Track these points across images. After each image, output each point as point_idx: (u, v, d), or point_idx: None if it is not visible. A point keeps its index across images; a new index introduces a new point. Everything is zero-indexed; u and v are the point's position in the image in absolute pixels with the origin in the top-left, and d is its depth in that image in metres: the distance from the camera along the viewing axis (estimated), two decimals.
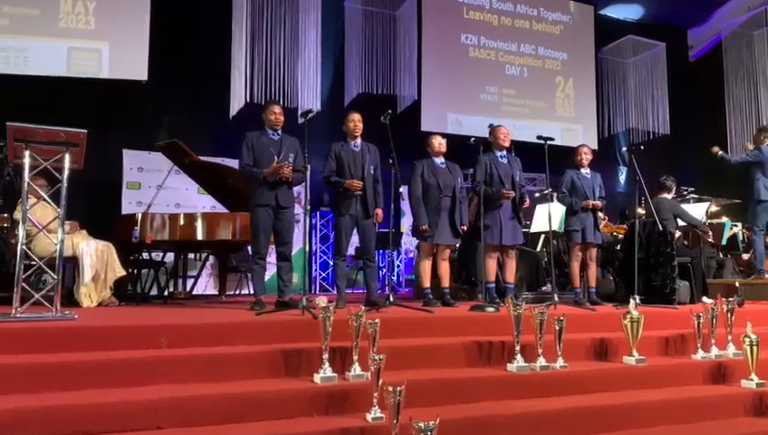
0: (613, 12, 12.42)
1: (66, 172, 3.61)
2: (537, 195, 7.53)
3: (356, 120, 4.88)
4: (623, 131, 12.07)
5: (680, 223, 6.41)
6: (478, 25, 11.03)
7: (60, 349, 3.03)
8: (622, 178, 12.55)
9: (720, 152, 6.85)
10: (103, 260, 4.98)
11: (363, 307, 3.35)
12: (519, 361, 3.48)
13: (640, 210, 6.40)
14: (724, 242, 7.99)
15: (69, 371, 2.84)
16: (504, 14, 11.30)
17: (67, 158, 3.59)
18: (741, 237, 8.76)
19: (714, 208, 7.86)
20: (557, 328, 3.61)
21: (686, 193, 7.23)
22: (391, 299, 4.50)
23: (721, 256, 7.95)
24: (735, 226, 8.57)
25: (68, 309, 3.90)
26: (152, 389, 2.84)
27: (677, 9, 12.10)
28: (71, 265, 5.00)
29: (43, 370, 2.82)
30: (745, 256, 7.64)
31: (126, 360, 2.98)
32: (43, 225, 4.09)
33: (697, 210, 6.95)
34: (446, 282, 5.22)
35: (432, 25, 10.47)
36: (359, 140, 4.90)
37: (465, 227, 5.27)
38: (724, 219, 8.46)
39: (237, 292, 8.19)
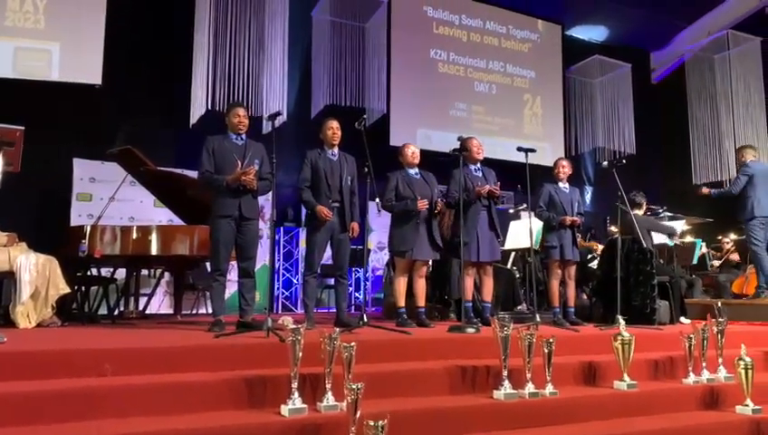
0: (579, 33, 12.49)
1: (0, 175, 3.18)
2: (511, 211, 7.32)
3: (334, 128, 4.64)
4: (590, 151, 12.08)
5: (656, 241, 6.28)
6: (448, 41, 10.90)
7: None
8: (588, 197, 12.54)
9: (711, 190, 6.65)
10: (44, 276, 4.53)
11: (336, 329, 3.01)
12: (507, 387, 3.19)
13: (614, 228, 6.25)
14: (695, 261, 7.94)
15: None
16: (473, 30, 11.21)
17: (0, 158, 3.17)
18: (709, 257, 8.76)
19: (684, 227, 7.80)
20: (546, 351, 3.34)
21: (660, 212, 7.14)
22: (365, 319, 4.16)
23: (691, 275, 7.89)
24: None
25: (1, 331, 3.45)
26: (92, 424, 2.44)
27: (640, 32, 12.25)
28: (7, 281, 4.52)
29: None
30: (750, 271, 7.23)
31: (62, 391, 2.56)
32: None
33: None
34: (421, 301, 4.92)
35: (401, 39, 10.27)
36: (336, 149, 4.64)
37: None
38: (691, 239, 8.42)
39: (194, 311, 7.71)
